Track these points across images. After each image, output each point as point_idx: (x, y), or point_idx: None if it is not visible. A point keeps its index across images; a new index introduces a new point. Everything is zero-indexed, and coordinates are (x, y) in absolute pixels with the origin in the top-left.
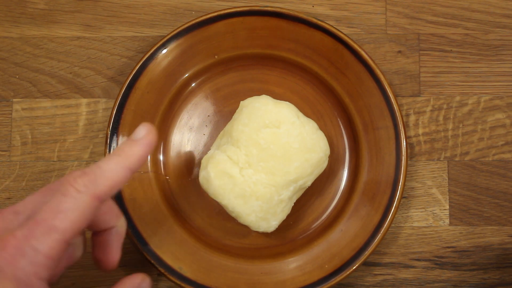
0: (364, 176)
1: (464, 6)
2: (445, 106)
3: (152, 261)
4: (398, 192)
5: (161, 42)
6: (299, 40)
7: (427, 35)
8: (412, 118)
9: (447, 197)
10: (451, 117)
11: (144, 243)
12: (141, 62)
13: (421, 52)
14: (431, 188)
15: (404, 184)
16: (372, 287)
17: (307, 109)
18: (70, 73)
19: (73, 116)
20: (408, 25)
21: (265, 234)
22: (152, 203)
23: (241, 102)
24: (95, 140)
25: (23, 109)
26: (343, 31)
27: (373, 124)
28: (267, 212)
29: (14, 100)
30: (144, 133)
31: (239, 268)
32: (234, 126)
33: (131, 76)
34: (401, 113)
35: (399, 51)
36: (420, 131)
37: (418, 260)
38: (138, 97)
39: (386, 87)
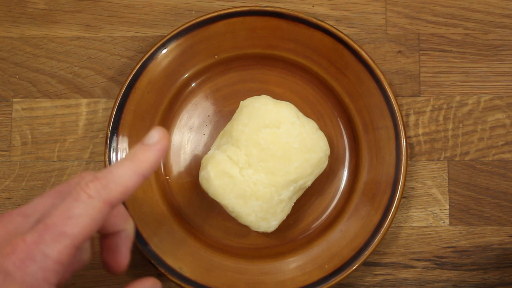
0: (364, 176)
1: (464, 6)
2: (445, 106)
3: (152, 261)
4: (398, 192)
5: (161, 42)
6: (299, 40)
7: (427, 35)
8: (412, 118)
9: (447, 197)
10: (451, 117)
11: (144, 243)
12: (141, 62)
13: (421, 52)
14: (431, 188)
15: (404, 184)
16: (372, 287)
17: (307, 109)
18: (70, 73)
19: (73, 116)
20: (408, 25)
21: (265, 234)
22: (152, 203)
23: (241, 102)
24: (95, 140)
25: (23, 109)
26: (343, 31)
27: (373, 124)
28: (267, 212)
29: (14, 100)
30: (157, 138)
31: (239, 268)
32: (234, 126)
33: (131, 76)
34: (401, 113)
35: (399, 51)
36: (420, 131)
37: (418, 260)
38: (138, 97)
39: (386, 87)
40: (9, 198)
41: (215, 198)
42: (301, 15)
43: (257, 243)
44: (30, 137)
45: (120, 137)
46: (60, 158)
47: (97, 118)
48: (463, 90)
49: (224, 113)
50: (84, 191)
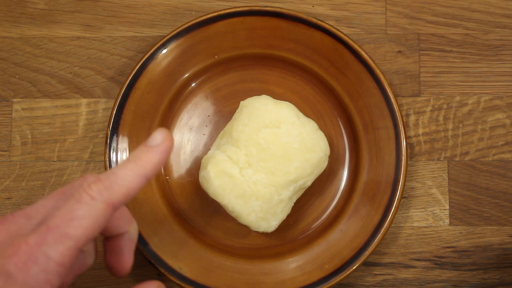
0: (364, 176)
1: (464, 6)
2: (445, 106)
3: (152, 261)
4: (398, 192)
5: (161, 42)
6: (299, 40)
7: (427, 35)
8: (412, 118)
9: (447, 197)
10: (451, 117)
11: (144, 243)
12: (141, 62)
13: (421, 52)
14: (431, 188)
15: (404, 184)
16: (372, 287)
17: (307, 109)
18: (70, 73)
19: (73, 116)
20: (408, 25)
21: (265, 234)
22: (152, 203)
23: (241, 102)
24: (95, 140)
25: (23, 109)
26: (343, 31)
27: (373, 124)
28: (267, 212)
29: (14, 100)
30: (161, 139)
31: (239, 268)
32: (234, 126)
33: (131, 76)
34: (401, 113)
35: (399, 51)
36: (420, 131)
37: (418, 260)
38: (138, 97)
39: (386, 87)
40: (9, 198)
41: (215, 198)
42: (301, 15)
43: (257, 243)
44: (30, 137)
45: (120, 137)
46: (60, 158)
47: (97, 118)
48: (463, 90)
49: (224, 113)
50: (87, 192)
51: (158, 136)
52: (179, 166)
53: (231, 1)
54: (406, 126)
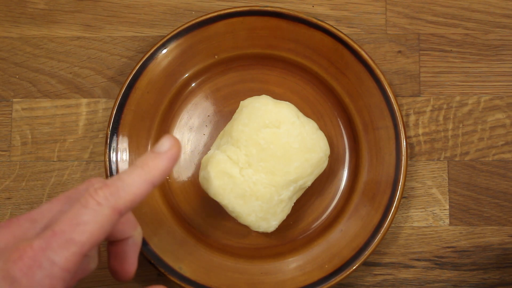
0: (364, 176)
1: (464, 6)
2: (445, 106)
3: (152, 261)
4: (398, 192)
5: (161, 42)
6: (299, 40)
7: (427, 35)
8: (412, 118)
9: (447, 197)
10: (451, 117)
11: (144, 243)
12: (141, 62)
13: (421, 52)
14: (431, 188)
15: (404, 184)
16: (372, 287)
17: (307, 109)
18: (70, 73)
19: (73, 116)
20: (408, 25)
21: (265, 234)
22: (152, 203)
23: (241, 102)
24: (95, 140)
25: (23, 109)
26: (343, 31)
27: (373, 124)
28: (267, 212)
29: (14, 100)
30: (168, 146)
31: (239, 268)
32: (234, 126)
33: (131, 76)
34: (401, 113)
35: (399, 51)
36: (420, 131)
37: (418, 260)
38: (138, 97)
39: (386, 87)
40: (9, 198)
41: (215, 198)
42: (301, 15)
43: (257, 243)
44: (30, 137)
45: (120, 137)
46: (60, 158)
47: (97, 118)
48: (463, 90)
49: (224, 113)
50: (93, 197)
51: (166, 143)
52: (179, 166)
53: (231, 1)
54: (406, 126)
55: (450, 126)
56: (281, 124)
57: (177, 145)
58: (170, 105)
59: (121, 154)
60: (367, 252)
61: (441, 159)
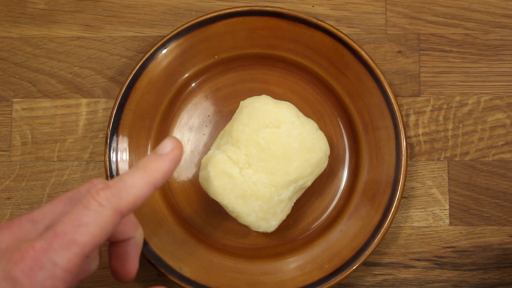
0: (364, 176)
1: (464, 6)
2: (445, 106)
3: (152, 261)
4: (398, 192)
5: (161, 42)
6: (299, 40)
7: (427, 35)
8: (412, 118)
9: (447, 197)
10: (451, 117)
11: (144, 243)
12: (141, 62)
13: (421, 52)
14: (431, 188)
15: (404, 184)
16: (372, 287)
17: (307, 109)
18: (70, 73)
19: (73, 116)
20: (408, 25)
21: (265, 234)
22: (152, 203)
23: (241, 102)
24: (95, 140)
25: (23, 109)
26: (343, 31)
27: (373, 124)
28: (267, 212)
29: (14, 100)
30: (170, 147)
31: (239, 268)
32: (234, 126)
33: (131, 76)
34: (401, 113)
35: (399, 51)
36: (420, 131)
37: (418, 260)
38: (138, 97)
39: (386, 87)
40: (9, 198)
41: (215, 198)
42: (301, 15)
43: (257, 243)
44: (30, 137)
45: (120, 137)
46: (60, 158)
47: (97, 118)
48: (463, 90)
49: (224, 113)
50: (95, 199)
51: (167, 144)
52: (179, 166)
53: (231, 1)
54: (406, 126)
55: (450, 126)
56: (281, 124)
57: (179, 147)
58: (170, 105)
59: (121, 154)
60: (367, 252)
61: (441, 159)
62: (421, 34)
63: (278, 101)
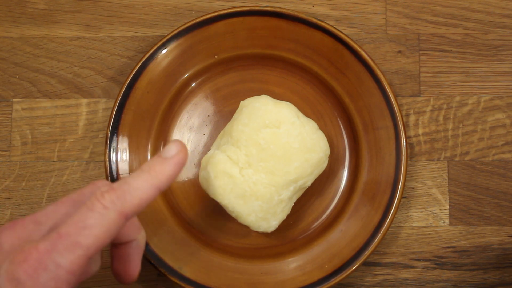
0: (364, 176)
1: (464, 6)
2: (445, 106)
3: (152, 261)
4: (398, 192)
5: (161, 42)
6: (299, 40)
7: (427, 35)
8: (412, 118)
9: (447, 197)
10: (451, 117)
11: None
12: (141, 62)
13: (421, 52)
14: (431, 188)
15: (404, 184)
16: (372, 287)
17: (307, 109)
18: (70, 73)
19: (73, 116)
20: (408, 25)
21: (265, 234)
22: (152, 203)
23: (241, 102)
24: (95, 140)
25: (23, 109)
26: (343, 31)
27: (373, 124)
28: (267, 212)
29: (14, 100)
30: (175, 151)
31: (239, 268)
32: (234, 126)
33: (131, 76)
34: (401, 113)
35: (399, 51)
36: (420, 131)
37: (418, 260)
38: (138, 97)
39: (386, 87)
40: (9, 198)
41: (215, 198)
42: (301, 15)
43: (257, 243)
44: (30, 137)
45: (120, 137)
46: (60, 158)
47: (97, 118)
48: (463, 90)
49: (224, 113)
50: (99, 201)
51: (173, 148)
52: None
53: (231, 1)
54: (406, 126)
55: (450, 126)
56: (281, 124)
57: (184, 150)
58: (170, 105)
59: (121, 154)
60: (367, 252)
61: (441, 159)
62: (421, 34)
63: (278, 101)
